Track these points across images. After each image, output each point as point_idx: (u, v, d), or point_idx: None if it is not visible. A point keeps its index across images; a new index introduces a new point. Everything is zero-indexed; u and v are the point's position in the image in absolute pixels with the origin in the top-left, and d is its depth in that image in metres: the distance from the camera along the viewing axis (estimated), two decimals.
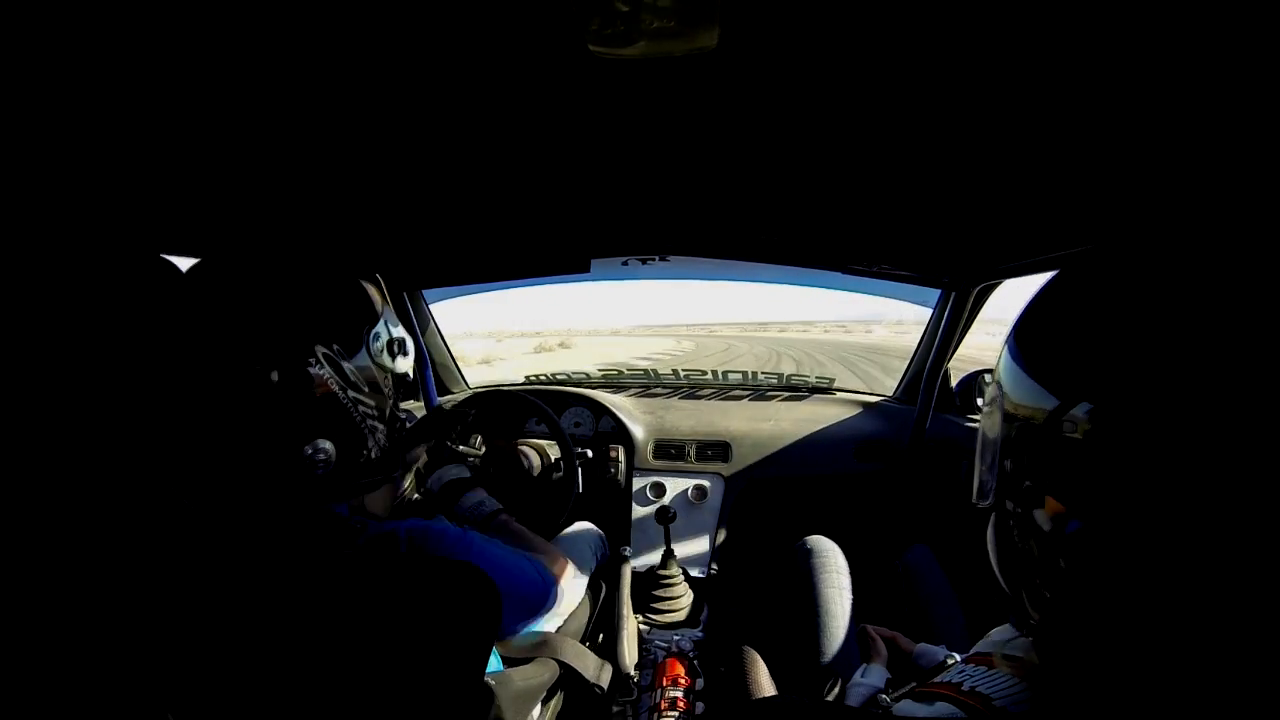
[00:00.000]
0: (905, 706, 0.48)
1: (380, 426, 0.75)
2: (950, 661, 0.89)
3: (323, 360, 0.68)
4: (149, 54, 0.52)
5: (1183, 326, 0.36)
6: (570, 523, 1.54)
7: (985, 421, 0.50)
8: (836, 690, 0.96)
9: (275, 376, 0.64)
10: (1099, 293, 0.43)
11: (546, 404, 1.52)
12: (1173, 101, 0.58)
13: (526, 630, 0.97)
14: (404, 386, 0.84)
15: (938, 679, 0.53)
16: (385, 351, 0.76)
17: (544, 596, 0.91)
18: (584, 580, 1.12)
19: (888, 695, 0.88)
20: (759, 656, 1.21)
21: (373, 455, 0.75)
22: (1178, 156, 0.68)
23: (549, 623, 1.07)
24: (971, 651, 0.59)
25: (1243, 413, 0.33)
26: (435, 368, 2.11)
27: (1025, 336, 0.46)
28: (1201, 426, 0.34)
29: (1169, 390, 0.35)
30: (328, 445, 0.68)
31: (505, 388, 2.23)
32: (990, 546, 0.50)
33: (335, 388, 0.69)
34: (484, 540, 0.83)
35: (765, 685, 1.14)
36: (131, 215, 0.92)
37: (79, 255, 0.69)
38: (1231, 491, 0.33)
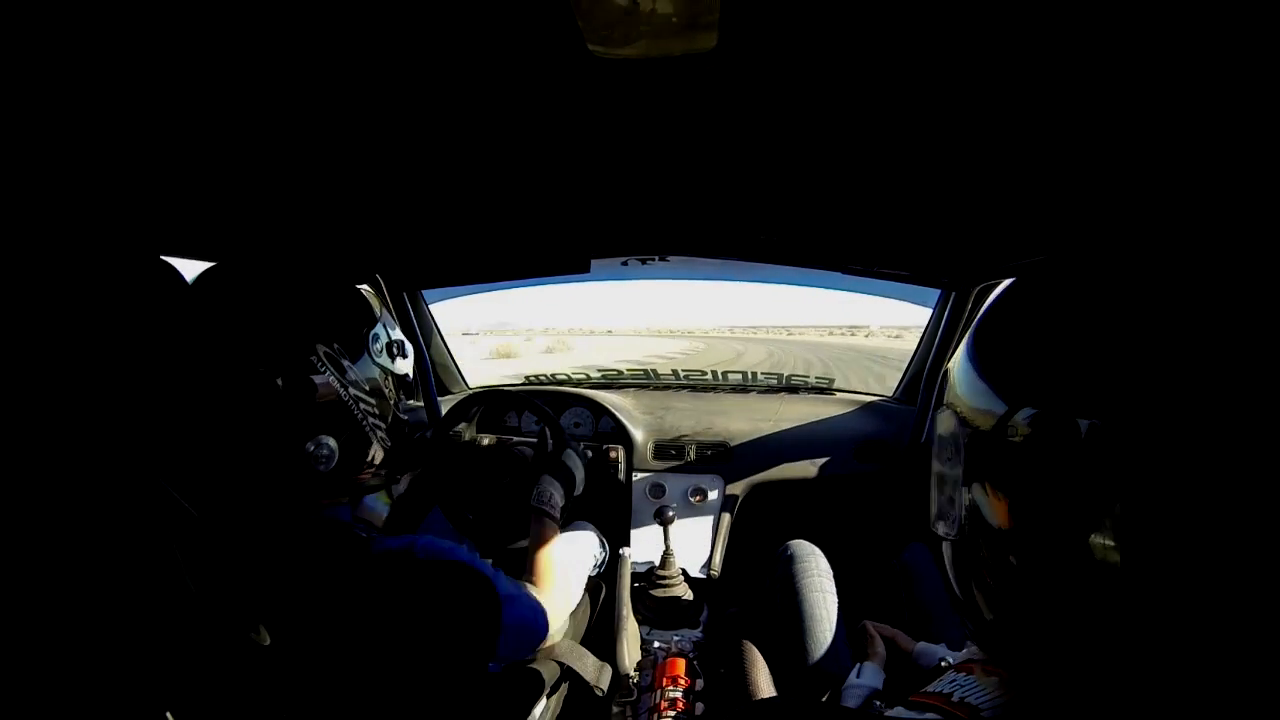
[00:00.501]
0: (898, 714, 0.50)
1: (382, 426, 0.76)
2: (945, 665, 0.89)
3: (324, 359, 0.68)
4: (149, 58, 0.52)
5: (1125, 333, 0.38)
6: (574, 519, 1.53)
7: (940, 424, 0.52)
8: (830, 692, 0.96)
9: (277, 374, 0.65)
10: (1050, 301, 0.45)
11: (546, 404, 1.53)
12: (1169, 102, 0.58)
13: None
14: (404, 388, 0.84)
15: (929, 688, 0.54)
16: (385, 352, 0.77)
17: (534, 634, 0.90)
18: (571, 605, 1.09)
19: (881, 702, 0.89)
20: (759, 655, 1.20)
21: (376, 457, 0.76)
22: (1173, 157, 0.68)
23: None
24: (962, 658, 0.59)
25: (1190, 412, 0.34)
26: (435, 368, 2.12)
27: (980, 342, 0.49)
28: (1142, 426, 0.35)
29: (1109, 394, 0.37)
30: (330, 441, 0.68)
31: (505, 388, 2.24)
32: (945, 551, 0.52)
33: (336, 385, 0.69)
34: (492, 568, 0.84)
35: (764, 686, 1.14)
36: (132, 218, 0.92)
37: (81, 258, 0.69)
38: (1179, 485, 0.34)
